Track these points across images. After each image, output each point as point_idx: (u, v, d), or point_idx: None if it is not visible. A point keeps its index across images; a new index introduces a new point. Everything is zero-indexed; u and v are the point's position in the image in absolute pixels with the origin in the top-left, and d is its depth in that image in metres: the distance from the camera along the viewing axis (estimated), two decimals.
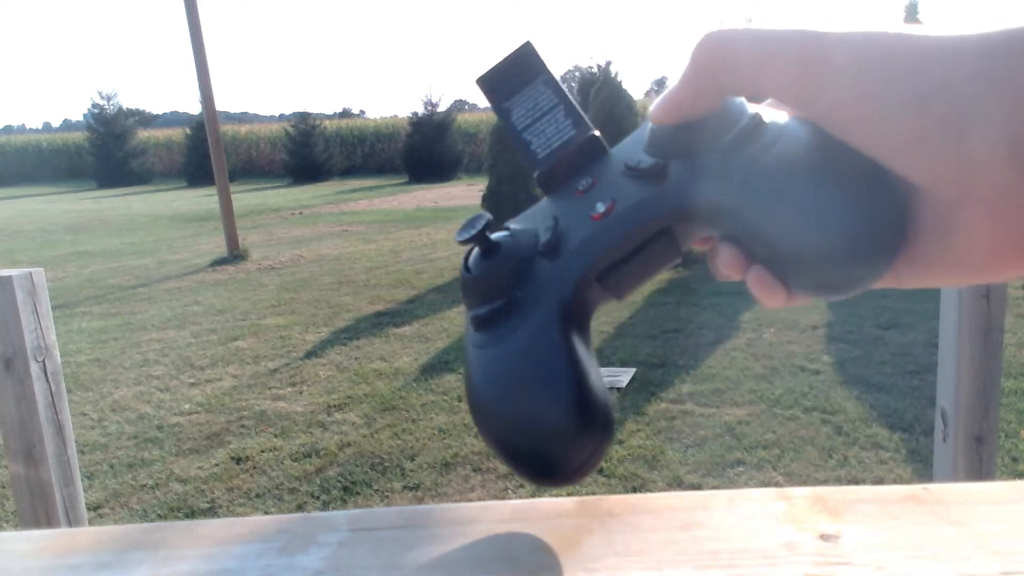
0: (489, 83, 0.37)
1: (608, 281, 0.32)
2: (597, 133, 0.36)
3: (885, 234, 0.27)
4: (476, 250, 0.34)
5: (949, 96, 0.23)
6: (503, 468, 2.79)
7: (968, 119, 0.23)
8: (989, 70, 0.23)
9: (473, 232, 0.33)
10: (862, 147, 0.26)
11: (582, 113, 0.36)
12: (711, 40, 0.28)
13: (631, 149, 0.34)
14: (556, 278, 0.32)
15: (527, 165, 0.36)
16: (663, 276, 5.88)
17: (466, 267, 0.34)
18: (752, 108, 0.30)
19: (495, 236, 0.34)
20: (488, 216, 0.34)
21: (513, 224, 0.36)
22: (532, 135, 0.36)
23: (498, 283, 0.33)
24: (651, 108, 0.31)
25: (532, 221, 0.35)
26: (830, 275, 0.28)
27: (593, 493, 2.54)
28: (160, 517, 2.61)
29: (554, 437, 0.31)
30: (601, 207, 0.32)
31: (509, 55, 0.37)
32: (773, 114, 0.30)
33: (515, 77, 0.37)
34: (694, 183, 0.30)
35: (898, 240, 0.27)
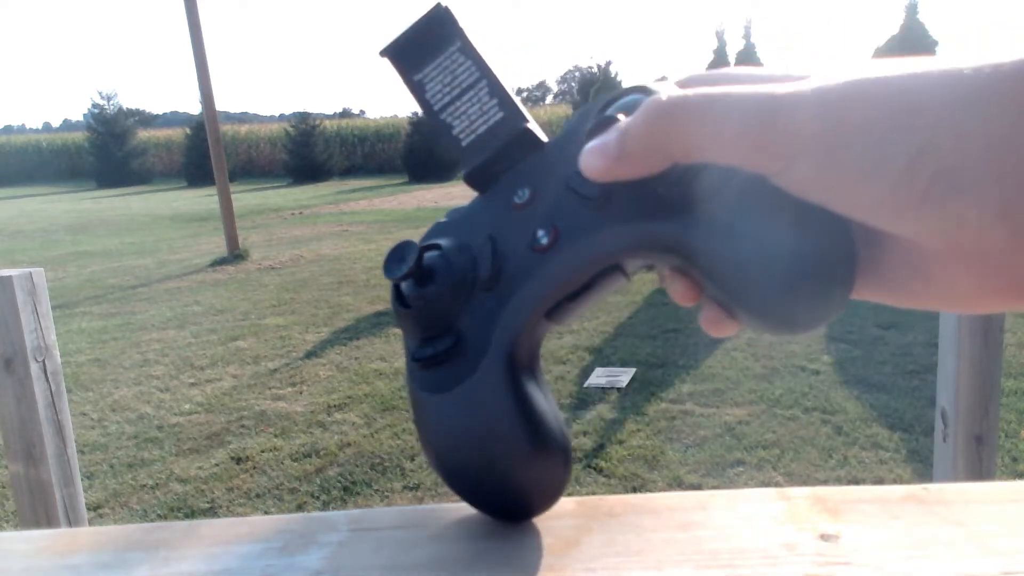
0: (398, 52, 0.33)
1: (554, 314, 0.31)
2: (530, 125, 0.32)
3: (836, 273, 0.26)
4: (409, 283, 0.31)
5: (936, 158, 0.21)
6: None
7: (957, 182, 0.21)
8: (980, 129, 0.21)
9: (406, 267, 0.30)
10: (836, 210, 0.24)
11: (508, 92, 0.32)
12: (664, 106, 0.26)
13: (569, 156, 0.30)
14: (501, 316, 0.30)
15: (450, 150, 0.33)
16: None
17: (399, 299, 0.31)
18: None
19: (428, 257, 0.31)
20: (415, 244, 0.30)
21: (443, 240, 0.32)
22: (452, 116, 0.32)
23: (439, 317, 0.30)
24: (585, 153, 0.28)
25: (464, 231, 0.32)
26: (779, 315, 0.27)
27: (593, 493, 2.54)
28: (160, 517, 2.61)
29: (516, 485, 0.31)
30: (544, 238, 0.30)
31: (419, 19, 0.32)
32: None
33: (427, 45, 0.32)
34: (643, 218, 0.28)
35: (850, 279, 0.26)
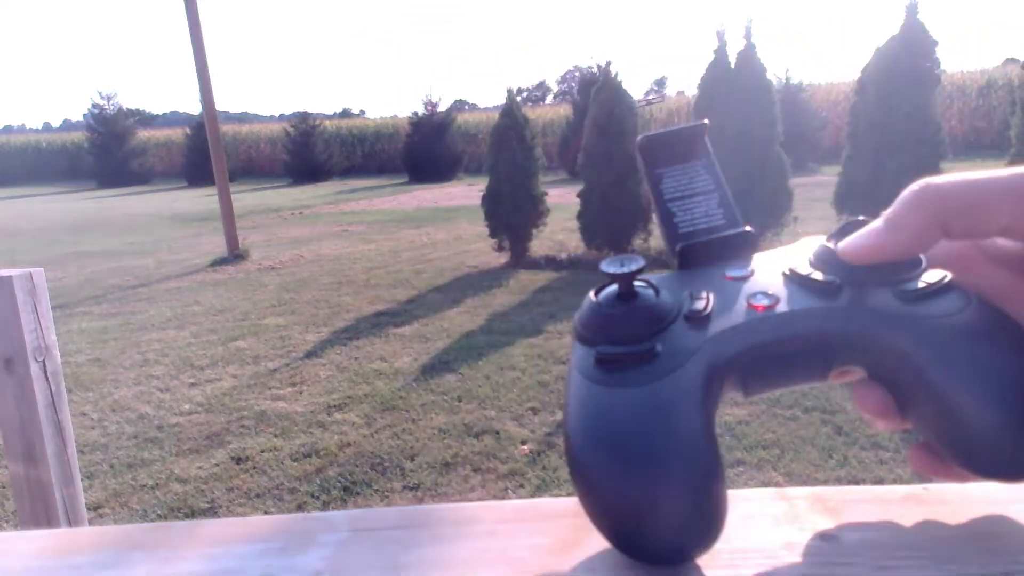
0: (650, 145, 0.38)
1: (749, 375, 0.31)
2: (751, 229, 0.36)
3: None
4: (612, 289, 0.33)
5: None
6: (503, 468, 2.79)
7: None
8: None
9: (623, 271, 0.32)
10: None
11: (736, 209, 0.36)
12: (930, 185, 0.28)
13: (788, 258, 0.33)
14: (704, 348, 0.30)
15: (663, 233, 0.36)
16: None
17: (598, 302, 0.33)
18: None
19: (637, 285, 0.33)
20: (643, 263, 0.32)
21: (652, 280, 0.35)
22: (678, 208, 0.36)
23: (636, 328, 0.31)
24: (844, 246, 0.30)
25: (671, 285, 0.34)
26: (1017, 459, 0.28)
27: None
28: (160, 517, 2.61)
29: (686, 504, 0.28)
30: (764, 299, 0.31)
31: (680, 127, 0.38)
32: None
33: (678, 149, 0.38)
34: (870, 317, 0.30)
35: None
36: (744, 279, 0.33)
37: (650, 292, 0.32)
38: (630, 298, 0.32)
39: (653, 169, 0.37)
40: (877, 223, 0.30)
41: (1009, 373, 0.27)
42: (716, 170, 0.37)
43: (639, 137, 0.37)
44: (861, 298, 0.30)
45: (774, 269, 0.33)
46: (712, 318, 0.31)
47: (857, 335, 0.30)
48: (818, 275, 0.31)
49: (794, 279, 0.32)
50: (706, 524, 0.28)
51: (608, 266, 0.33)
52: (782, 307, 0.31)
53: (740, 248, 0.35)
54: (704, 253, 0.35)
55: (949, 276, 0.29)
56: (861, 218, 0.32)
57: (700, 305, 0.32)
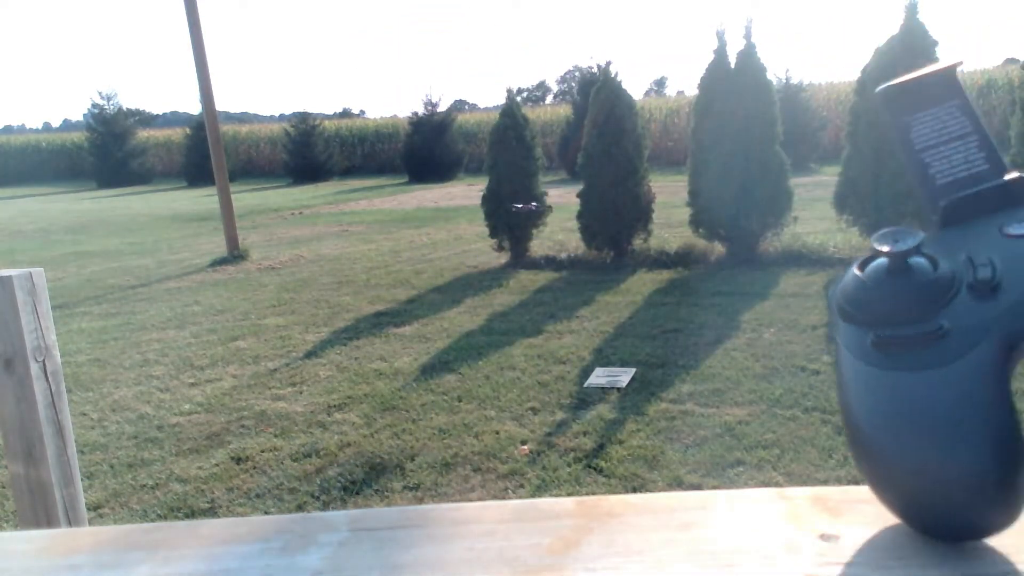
0: (894, 94, 0.35)
1: None
2: (1020, 174, 0.33)
3: None
4: (881, 263, 0.31)
5: None
6: (503, 468, 2.79)
7: None
8: None
9: (899, 248, 0.30)
10: None
11: (998, 150, 0.33)
12: None
13: None
14: (997, 322, 0.29)
15: (918, 186, 0.34)
16: (663, 276, 5.88)
17: (865, 279, 0.31)
18: None
19: (913, 259, 0.31)
20: (921, 237, 0.31)
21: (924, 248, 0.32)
22: (932, 157, 0.34)
23: (917, 306, 0.30)
24: None
25: (946, 244, 0.32)
26: None
27: (593, 493, 2.54)
28: (160, 517, 2.61)
29: (991, 486, 0.28)
30: None
31: (927, 71, 0.35)
32: None
33: (926, 93, 0.35)
34: None
35: None
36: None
37: (926, 264, 0.30)
38: (904, 272, 0.30)
39: (900, 118, 0.35)
40: None
41: None
42: (973, 110, 0.34)
43: (880, 87, 0.35)
44: None
45: None
46: (1001, 286, 0.29)
47: None
48: None
49: None
50: (1009, 505, 0.29)
51: (881, 242, 0.31)
52: None
53: (1011, 197, 0.32)
54: (971, 207, 0.32)
55: None
56: None
57: (986, 273, 0.30)
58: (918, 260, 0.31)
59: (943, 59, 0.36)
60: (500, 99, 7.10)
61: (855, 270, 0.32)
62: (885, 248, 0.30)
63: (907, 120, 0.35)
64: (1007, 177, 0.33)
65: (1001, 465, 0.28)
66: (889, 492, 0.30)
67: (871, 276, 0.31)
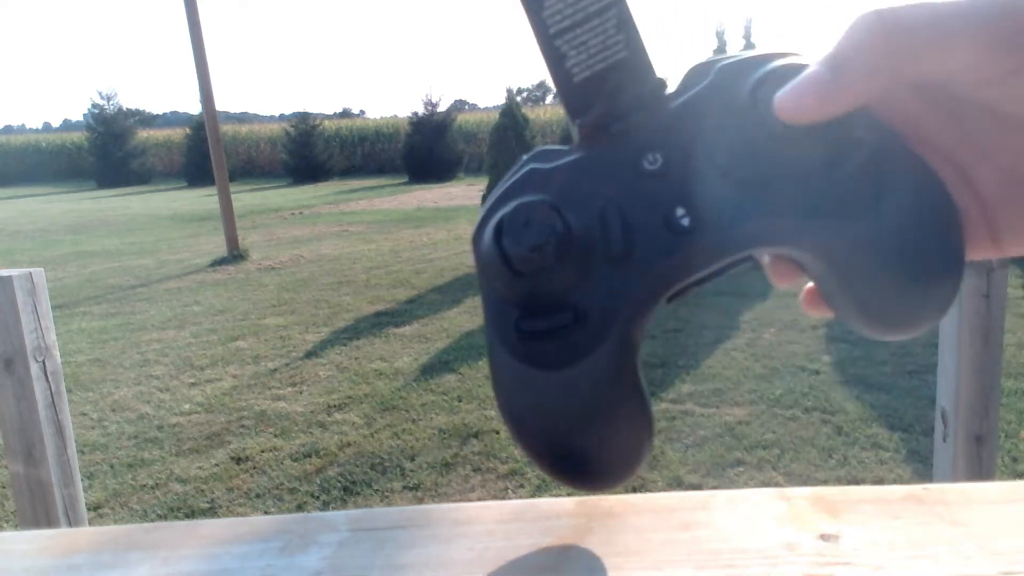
0: None
1: (674, 297, 0.29)
2: (664, 77, 0.28)
3: (953, 287, 0.27)
4: (512, 226, 0.26)
5: None
6: (503, 468, 2.79)
7: None
8: None
9: (542, 236, 0.25)
10: None
11: (638, 28, 0.27)
12: (884, 18, 0.23)
13: (707, 125, 0.27)
14: (629, 296, 0.27)
15: (555, 82, 0.27)
16: None
17: (505, 258, 0.26)
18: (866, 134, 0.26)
19: (546, 218, 0.26)
20: (544, 207, 0.26)
21: (554, 195, 0.27)
22: (568, 44, 0.27)
23: (552, 287, 0.27)
24: (785, 96, 0.24)
25: (579, 189, 0.27)
26: (906, 323, 0.28)
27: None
28: (160, 517, 2.61)
29: (618, 463, 0.30)
30: (684, 219, 0.26)
31: None
32: (873, 133, 0.26)
33: None
34: (803, 214, 0.26)
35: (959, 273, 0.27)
36: (662, 174, 0.27)
37: (564, 229, 0.26)
38: (544, 247, 0.26)
39: None
40: (818, 68, 0.24)
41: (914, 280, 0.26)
42: None
43: None
44: (789, 192, 0.26)
45: (694, 150, 0.27)
46: (633, 255, 0.27)
47: (788, 240, 0.27)
48: (742, 169, 0.26)
49: (717, 175, 0.26)
50: (632, 469, 0.30)
51: (516, 242, 0.26)
52: (706, 223, 0.26)
53: (654, 103, 0.27)
54: (606, 121, 0.27)
55: (874, 143, 0.26)
56: (789, 58, 0.26)
57: (616, 246, 0.27)
58: (549, 215, 0.26)
59: None
60: (500, 99, 7.10)
61: (493, 221, 0.27)
62: (515, 247, 0.26)
63: None
64: (654, 77, 0.27)
65: (616, 473, 0.30)
66: (558, 470, 0.31)
67: (516, 256, 0.26)
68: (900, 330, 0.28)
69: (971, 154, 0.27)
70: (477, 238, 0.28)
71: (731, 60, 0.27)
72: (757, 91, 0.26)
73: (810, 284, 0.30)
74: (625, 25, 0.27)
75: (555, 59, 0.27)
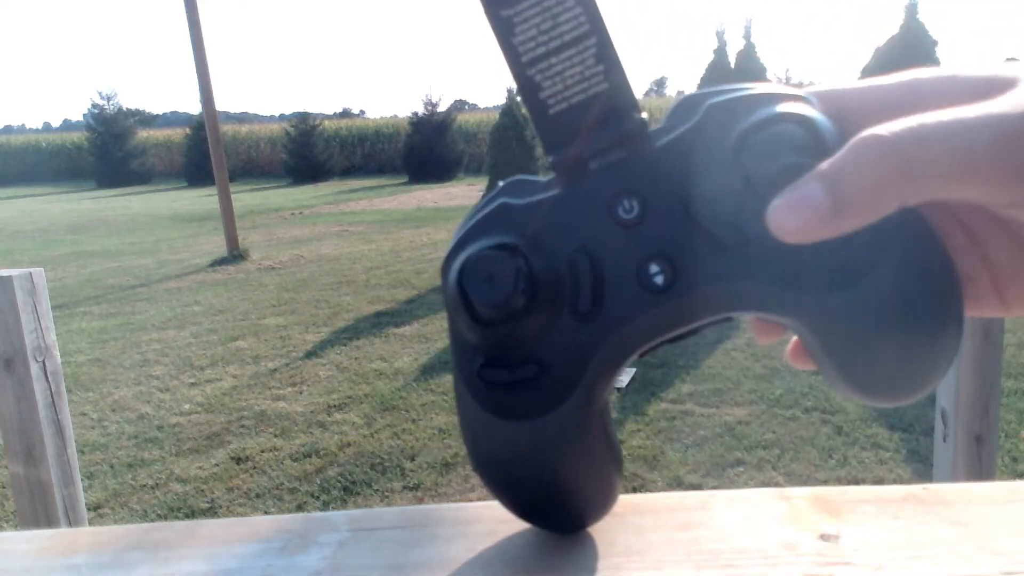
0: None
1: (645, 354, 0.28)
2: (645, 116, 0.26)
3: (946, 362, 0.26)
4: (474, 277, 0.25)
5: None
6: None
7: None
8: None
9: (504, 292, 0.24)
10: None
11: (619, 59, 0.25)
12: (889, 143, 0.22)
13: (687, 170, 0.25)
14: (598, 353, 0.26)
15: (530, 114, 0.26)
16: None
17: (470, 312, 0.25)
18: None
19: (509, 265, 0.25)
20: (508, 260, 0.25)
21: (520, 239, 0.26)
22: (542, 73, 0.25)
23: (521, 340, 0.25)
24: (779, 215, 0.23)
25: (549, 231, 0.26)
26: (899, 395, 0.27)
27: None
28: (160, 517, 2.61)
29: (587, 510, 0.31)
30: (659, 276, 0.25)
31: None
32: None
33: None
34: (783, 282, 0.25)
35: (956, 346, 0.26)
36: (637, 223, 0.25)
37: (521, 271, 0.25)
38: (508, 296, 0.25)
39: (498, 12, 0.25)
40: (814, 187, 0.23)
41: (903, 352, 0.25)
42: (591, 0, 0.25)
43: None
44: (772, 256, 0.25)
45: (672, 200, 0.25)
46: (602, 312, 0.26)
47: (767, 307, 0.26)
48: (723, 225, 0.25)
49: (695, 230, 0.25)
50: (604, 510, 0.32)
51: (479, 296, 0.25)
52: (683, 283, 0.25)
53: (634, 144, 0.26)
54: (584, 159, 0.26)
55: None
56: (801, 162, 0.24)
57: (585, 301, 0.26)
58: (513, 262, 0.25)
59: None
60: (500, 99, 7.11)
61: (457, 262, 0.26)
62: (480, 301, 0.24)
63: (508, 15, 0.25)
64: (636, 113, 0.26)
65: (583, 515, 0.31)
66: (529, 515, 0.32)
67: (452, 280, 0.25)
68: (888, 400, 0.27)
69: (985, 222, 0.26)
70: (444, 273, 0.27)
71: (721, 98, 0.26)
72: (745, 140, 0.24)
73: (796, 337, 0.29)
74: (605, 56, 0.25)
75: (528, 89, 0.25)
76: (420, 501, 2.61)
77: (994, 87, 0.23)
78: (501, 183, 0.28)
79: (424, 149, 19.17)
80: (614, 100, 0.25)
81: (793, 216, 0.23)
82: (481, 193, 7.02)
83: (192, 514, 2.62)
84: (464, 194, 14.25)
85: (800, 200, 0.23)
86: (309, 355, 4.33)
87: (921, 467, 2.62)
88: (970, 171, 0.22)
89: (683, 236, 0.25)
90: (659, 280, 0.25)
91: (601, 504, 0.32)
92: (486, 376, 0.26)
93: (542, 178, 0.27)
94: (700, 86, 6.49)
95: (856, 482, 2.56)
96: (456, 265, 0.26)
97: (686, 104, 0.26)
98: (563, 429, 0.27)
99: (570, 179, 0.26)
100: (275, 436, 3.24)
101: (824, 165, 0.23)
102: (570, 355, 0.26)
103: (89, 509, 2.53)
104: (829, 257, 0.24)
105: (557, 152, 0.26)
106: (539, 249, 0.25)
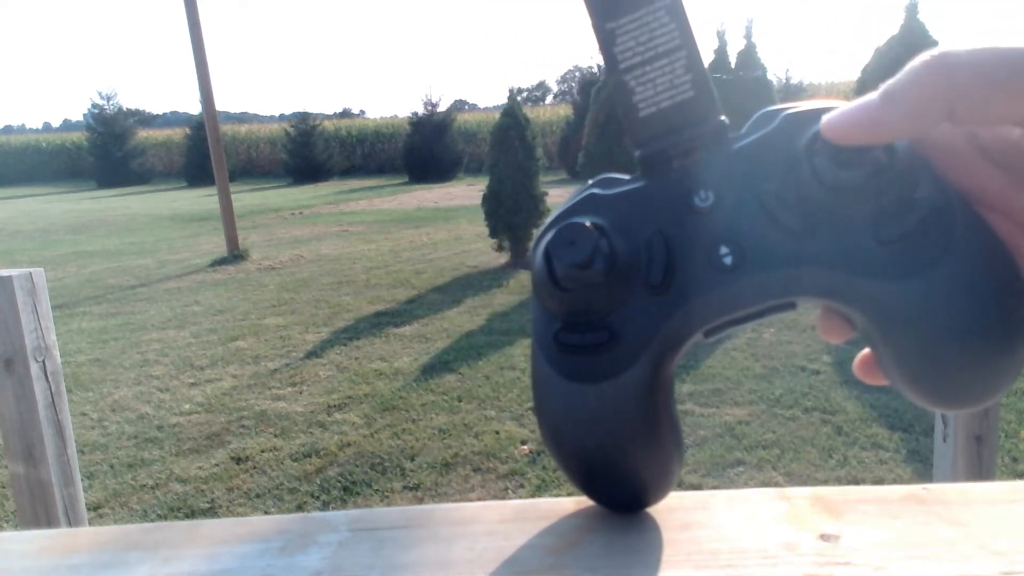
0: None
1: (712, 333, 0.29)
2: (725, 119, 0.29)
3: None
4: (559, 243, 0.27)
5: None
6: (503, 468, 2.79)
7: None
8: None
9: (582, 254, 0.27)
10: None
11: (705, 70, 0.28)
12: (936, 57, 0.23)
13: (763, 168, 0.27)
14: (666, 326, 0.28)
15: (621, 114, 0.29)
16: None
17: (551, 272, 0.27)
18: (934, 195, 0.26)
19: (594, 240, 0.27)
20: (587, 229, 0.27)
21: (604, 220, 0.28)
22: (637, 80, 0.28)
23: (592, 305, 0.28)
24: (834, 117, 0.25)
25: (629, 216, 0.28)
26: (963, 399, 0.27)
27: None
28: (160, 517, 2.61)
29: (647, 481, 0.31)
30: (728, 257, 0.27)
31: None
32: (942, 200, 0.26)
33: None
34: (848, 268, 0.26)
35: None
36: (711, 211, 0.28)
37: (608, 253, 0.27)
38: (588, 266, 0.27)
39: (604, 24, 0.28)
40: (872, 96, 0.25)
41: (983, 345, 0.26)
42: (683, 16, 0.28)
43: None
44: (837, 244, 0.26)
45: (746, 192, 0.28)
46: (674, 285, 0.28)
47: (829, 293, 0.27)
48: (790, 212, 0.26)
49: (765, 218, 0.27)
50: (662, 493, 0.33)
51: (560, 257, 0.27)
52: (752, 264, 0.27)
53: (713, 144, 0.28)
54: (667, 157, 0.29)
55: (948, 205, 0.25)
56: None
57: (657, 275, 0.28)
58: (599, 240, 0.27)
59: None
60: (500, 99, 7.11)
61: (547, 238, 0.28)
62: (558, 262, 0.27)
63: (612, 27, 0.28)
64: (717, 118, 0.28)
65: (670, 473, 0.31)
66: (568, 477, 0.32)
67: (563, 272, 0.27)
68: (955, 404, 0.27)
69: None
70: (533, 251, 0.29)
71: (797, 110, 0.28)
72: (815, 141, 0.26)
73: (866, 350, 0.30)
74: (693, 67, 0.28)
75: (623, 92, 0.28)
76: (420, 501, 2.61)
77: None
78: (591, 180, 0.31)
79: (424, 149, 19.17)
80: (699, 106, 0.28)
81: (845, 115, 0.25)
82: (481, 193, 7.03)
83: (192, 514, 2.62)
84: (464, 194, 14.24)
85: (856, 105, 0.25)
86: (309, 355, 4.33)
87: (921, 467, 2.62)
88: (1007, 84, 0.23)
89: (753, 223, 0.27)
90: (727, 260, 0.27)
91: (659, 482, 0.31)
92: (561, 339, 0.28)
93: (627, 176, 0.30)
94: None
95: (856, 482, 2.56)
96: (545, 240, 0.28)
97: (764, 116, 0.29)
98: (626, 394, 0.28)
99: (653, 173, 0.29)
100: (275, 436, 3.24)
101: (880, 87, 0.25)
102: (639, 325, 0.28)
103: (89, 509, 2.53)
104: (893, 247, 0.25)
105: (645, 150, 0.29)
106: (620, 230, 0.28)
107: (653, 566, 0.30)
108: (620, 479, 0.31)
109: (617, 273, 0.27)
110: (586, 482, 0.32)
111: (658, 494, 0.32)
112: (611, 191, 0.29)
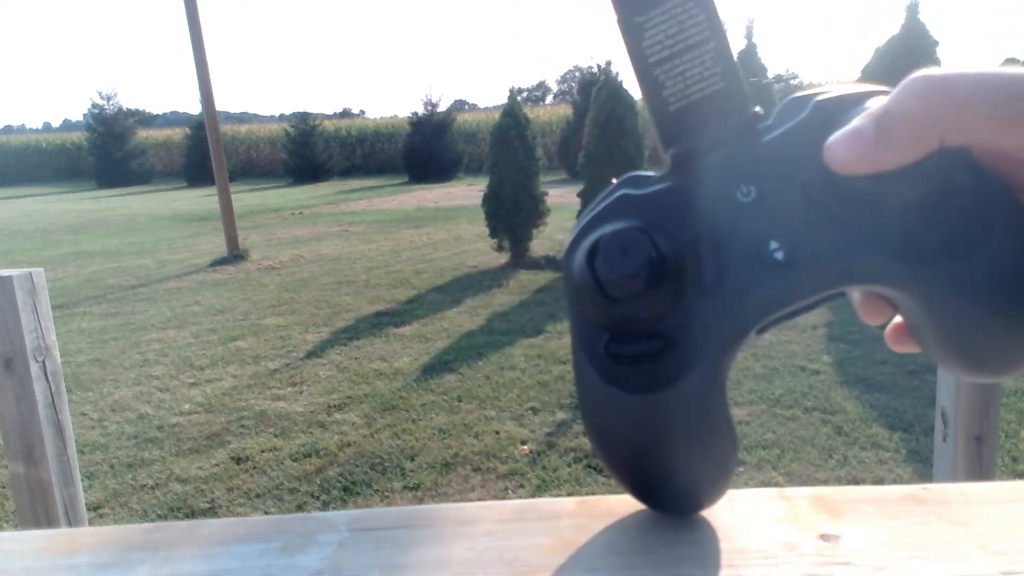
0: None
1: (765, 329, 0.29)
2: (760, 109, 0.28)
3: None
4: (608, 252, 0.26)
5: None
6: (503, 468, 2.79)
7: None
8: None
9: (636, 264, 0.26)
10: None
11: (735, 61, 0.28)
12: (934, 80, 0.24)
13: (800, 157, 0.27)
14: (721, 327, 0.27)
15: (650, 110, 0.28)
16: None
17: (598, 282, 0.26)
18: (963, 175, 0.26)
19: (640, 245, 0.26)
20: (640, 236, 0.26)
21: (645, 221, 0.27)
22: (666, 74, 0.27)
23: (648, 315, 0.27)
24: (832, 147, 0.25)
25: (671, 217, 0.28)
26: (1000, 369, 0.28)
27: (593, 493, 2.54)
28: (160, 517, 2.61)
29: (705, 487, 0.31)
30: (779, 252, 0.27)
31: None
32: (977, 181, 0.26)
33: None
34: (897, 255, 0.26)
35: None
36: (754, 205, 0.27)
37: (657, 258, 0.26)
38: (636, 275, 0.26)
39: (632, 19, 0.27)
40: (864, 121, 0.25)
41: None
42: (711, 7, 0.27)
43: None
44: (884, 227, 0.26)
45: (787, 182, 0.27)
46: (725, 286, 0.27)
47: (882, 279, 0.27)
48: (835, 199, 0.26)
49: (808, 204, 0.27)
50: (722, 492, 0.32)
51: (610, 268, 0.26)
52: (802, 258, 0.27)
53: (747, 136, 0.28)
54: (699, 149, 0.28)
55: (992, 186, 0.26)
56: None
57: (709, 277, 0.27)
58: (644, 244, 0.26)
59: None
60: (500, 99, 7.11)
61: (584, 243, 0.27)
62: (611, 273, 0.26)
63: (640, 21, 0.27)
64: (749, 109, 0.28)
65: (730, 472, 0.31)
66: (622, 486, 0.32)
67: (580, 261, 0.27)
68: (996, 373, 0.28)
69: None
70: (568, 259, 0.28)
71: (828, 96, 0.28)
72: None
73: (897, 319, 0.30)
74: (723, 57, 0.27)
75: (652, 88, 0.27)
76: (420, 501, 2.61)
77: None
78: (616, 180, 0.30)
79: (424, 149, 19.17)
80: (729, 98, 0.28)
81: (842, 147, 0.25)
82: (481, 193, 7.03)
83: (192, 514, 2.62)
84: (464, 194, 14.24)
85: (849, 132, 0.25)
86: (309, 355, 4.34)
87: (921, 467, 2.62)
88: (1004, 110, 0.23)
89: (801, 215, 0.27)
90: (779, 255, 0.27)
91: (717, 484, 0.31)
92: (614, 350, 0.27)
93: (655, 174, 0.29)
94: None
95: (856, 482, 2.56)
96: (584, 246, 0.27)
97: (794, 103, 0.28)
98: (687, 401, 0.28)
99: (687, 170, 0.28)
100: (275, 436, 3.24)
101: (874, 105, 0.25)
102: (694, 329, 0.27)
103: (89, 509, 2.53)
104: (938, 231, 0.26)
105: (676, 145, 0.28)
106: (663, 232, 0.27)
107: (653, 566, 0.30)
108: (684, 485, 0.31)
109: (667, 278, 0.26)
110: (647, 491, 0.32)
111: (720, 494, 0.32)
112: (644, 191, 0.28)
